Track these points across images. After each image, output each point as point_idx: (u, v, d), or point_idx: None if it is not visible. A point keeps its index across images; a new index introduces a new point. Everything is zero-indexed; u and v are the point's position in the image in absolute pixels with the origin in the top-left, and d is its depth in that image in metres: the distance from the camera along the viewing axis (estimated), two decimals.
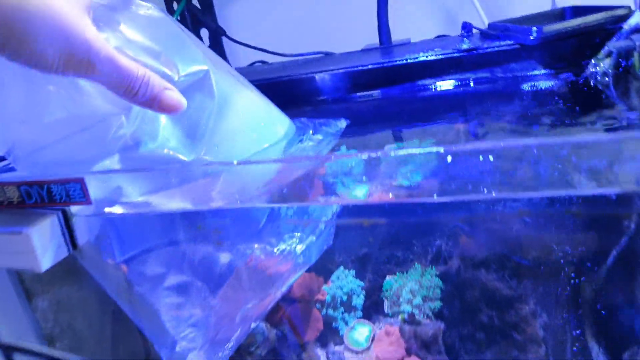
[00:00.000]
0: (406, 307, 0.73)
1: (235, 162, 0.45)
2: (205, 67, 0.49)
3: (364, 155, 0.38)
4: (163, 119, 0.48)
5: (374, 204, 0.67)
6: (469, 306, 0.83)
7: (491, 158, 0.33)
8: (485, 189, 0.34)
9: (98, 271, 0.62)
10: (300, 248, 0.67)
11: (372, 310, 0.84)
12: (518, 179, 0.33)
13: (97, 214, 0.50)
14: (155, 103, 0.43)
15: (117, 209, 0.49)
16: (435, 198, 0.36)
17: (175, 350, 0.66)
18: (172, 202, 0.47)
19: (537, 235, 0.77)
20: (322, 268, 0.86)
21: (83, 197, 0.46)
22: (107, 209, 0.49)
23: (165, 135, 0.49)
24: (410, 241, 0.85)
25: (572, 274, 0.76)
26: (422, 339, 0.68)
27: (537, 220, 0.76)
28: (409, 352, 0.68)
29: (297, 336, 0.81)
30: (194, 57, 0.49)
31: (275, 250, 0.66)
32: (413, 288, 0.77)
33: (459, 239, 0.81)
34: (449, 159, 0.35)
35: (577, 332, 0.78)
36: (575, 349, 0.78)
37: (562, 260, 0.75)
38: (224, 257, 0.65)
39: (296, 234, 0.67)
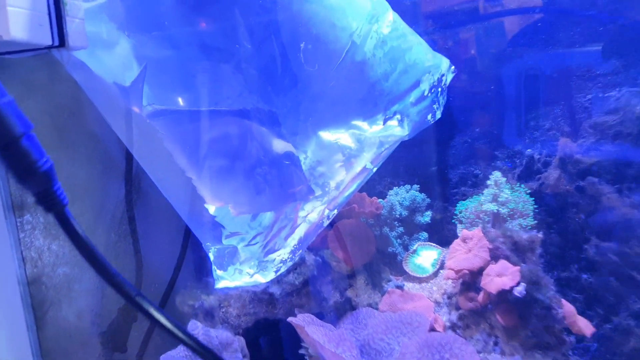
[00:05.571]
0: (491, 207, 0.54)
1: None
2: None
3: None
4: None
5: None
6: (571, 232, 0.62)
7: None
8: None
9: (112, 116, 0.50)
10: (398, 131, 0.52)
11: (439, 234, 0.65)
12: None
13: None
14: None
15: None
16: None
17: (222, 242, 0.51)
18: None
19: None
20: (378, 192, 0.69)
21: None
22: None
23: None
24: (492, 153, 0.67)
25: None
26: (514, 240, 0.49)
27: None
28: (495, 256, 0.49)
29: (342, 262, 0.63)
30: None
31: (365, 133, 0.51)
32: (499, 199, 0.58)
33: (558, 142, 0.62)
34: None
35: None
36: None
37: None
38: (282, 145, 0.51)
39: (395, 108, 0.51)
